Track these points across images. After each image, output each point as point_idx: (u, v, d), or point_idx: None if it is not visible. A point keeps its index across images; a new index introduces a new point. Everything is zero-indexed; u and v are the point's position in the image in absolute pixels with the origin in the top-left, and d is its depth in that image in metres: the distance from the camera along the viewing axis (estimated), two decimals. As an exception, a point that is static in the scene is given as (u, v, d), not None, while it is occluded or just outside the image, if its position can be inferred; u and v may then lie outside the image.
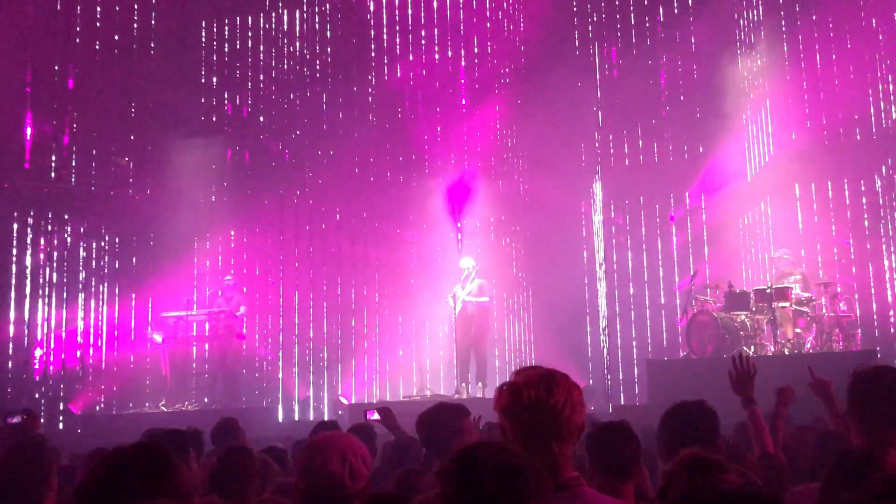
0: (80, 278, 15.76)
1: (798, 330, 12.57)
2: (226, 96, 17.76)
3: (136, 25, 16.75)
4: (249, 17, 17.72)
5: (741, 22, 16.00)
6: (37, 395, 14.91)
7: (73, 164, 16.00)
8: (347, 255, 17.14)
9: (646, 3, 16.71)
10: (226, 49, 17.78)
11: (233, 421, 6.69)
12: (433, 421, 4.82)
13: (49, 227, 15.64)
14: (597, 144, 15.47)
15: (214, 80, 17.83)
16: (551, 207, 16.30)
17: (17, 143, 15.28)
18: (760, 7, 15.77)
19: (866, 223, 14.93)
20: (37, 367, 15.08)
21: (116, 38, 16.48)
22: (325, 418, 12.40)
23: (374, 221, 17.34)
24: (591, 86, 16.54)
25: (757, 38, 15.73)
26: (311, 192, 17.29)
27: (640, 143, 16.70)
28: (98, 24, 16.30)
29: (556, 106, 15.98)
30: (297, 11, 17.55)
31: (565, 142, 16.09)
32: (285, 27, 17.60)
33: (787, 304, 12.50)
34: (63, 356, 15.31)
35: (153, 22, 16.98)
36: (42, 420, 5.98)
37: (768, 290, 12.54)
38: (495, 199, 16.76)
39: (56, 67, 15.74)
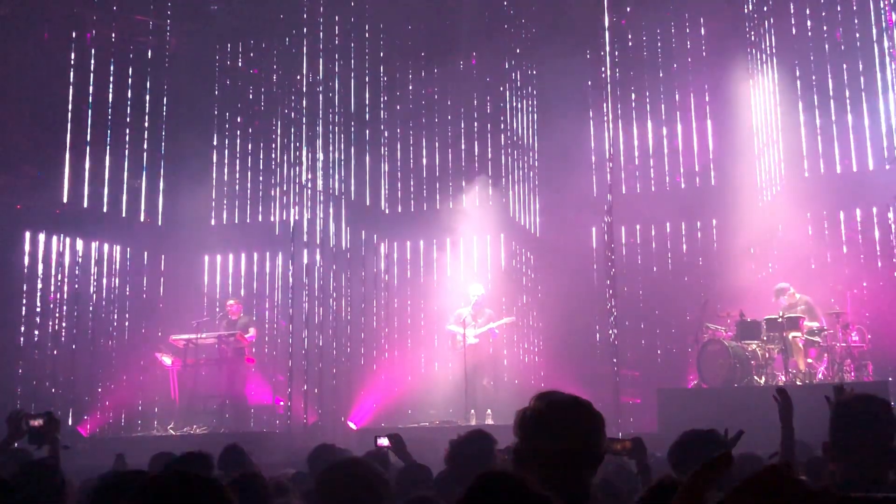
0: (91, 300, 15.77)
1: (809, 360, 12.50)
2: (238, 119, 17.82)
3: (150, 51, 16.87)
4: (263, 44, 17.80)
5: (754, 51, 16.06)
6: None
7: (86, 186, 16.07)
8: (357, 280, 17.13)
9: (658, 32, 16.81)
10: (240, 69, 17.87)
11: (237, 448, 6.63)
12: (469, 449, 4.75)
13: (60, 249, 15.67)
14: (608, 176, 15.46)
15: (229, 100, 17.89)
16: (562, 234, 16.32)
17: (30, 165, 15.35)
18: (773, 38, 15.82)
19: (878, 252, 14.90)
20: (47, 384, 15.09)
21: (131, 58, 16.58)
22: (334, 444, 12.33)
23: (385, 247, 17.36)
24: (604, 113, 16.60)
25: (769, 68, 15.77)
26: (322, 218, 17.31)
27: (652, 170, 16.75)
28: (112, 49, 16.40)
29: (567, 133, 16.06)
30: (305, 41, 17.61)
31: (576, 170, 16.13)
32: (298, 54, 17.68)
33: (798, 334, 12.44)
34: (72, 377, 15.31)
35: (167, 48, 17.09)
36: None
37: (780, 320, 12.49)
38: (505, 225, 16.78)
39: (70, 92, 15.82)
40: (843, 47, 15.23)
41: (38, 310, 15.18)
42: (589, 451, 2.82)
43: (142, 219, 16.71)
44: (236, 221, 17.47)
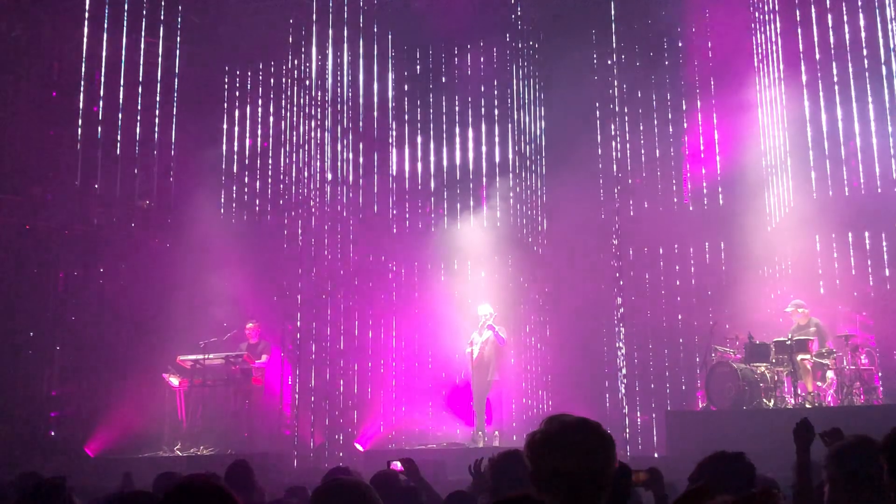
0: (100, 320, 15.76)
1: (818, 382, 12.44)
2: (247, 140, 17.86)
3: (159, 70, 16.93)
4: (272, 64, 17.87)
5: (762, 72, 16.07)
6: (52, 434, 14.92)
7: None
8: (365, 301, 17.11)
9: (666, 52, 16.87)
10: (248, 92, 17.93)
11: (244, 464, 6.63)
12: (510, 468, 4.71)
13: (69, 269, 15.71)
14: (616, 197, 15.52)
15: (237, 123, 17.94)
16: (569, 255, 16.31)
17: (39, 186, 15.41)
18: (781, 60, 15.83)
19: (887, 274, 14.85)
20: (55, 409, 15.10)
21: (140, 79, 16.64)
22: (348, 466, 12.30)
23: (393, 267, 17.36)
24: (612, 136, 16.67)
25: (777, 90, 15.76)
26: (330, 238, 17.31)
27: (660, 191, 16.76)
28: (122, 68, 16.47)
29: (575, 155, 16.09)
30: (316, 57, 17.72)
31: (584, 191, 16.12)
32: (305, 72, 17.74)
33: (807, 357, 12.39)
34: (79, 397, 15.31)
35: (177, 68, 17.15)
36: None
37: (788, 342, 12.45)
38: (515, 247, 16.78)
39: (80, 109, 15.89)
40: (850, 68, 15.23)
41: (46, 329, 15.20)
42: (600, 472, 2.82)
43: (150, 239, 16.73)
44: (245, 243, 17.44)
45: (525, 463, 4.73)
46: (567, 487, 2.80)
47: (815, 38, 15.56)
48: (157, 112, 16.93)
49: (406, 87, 17.86)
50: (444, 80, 17.78)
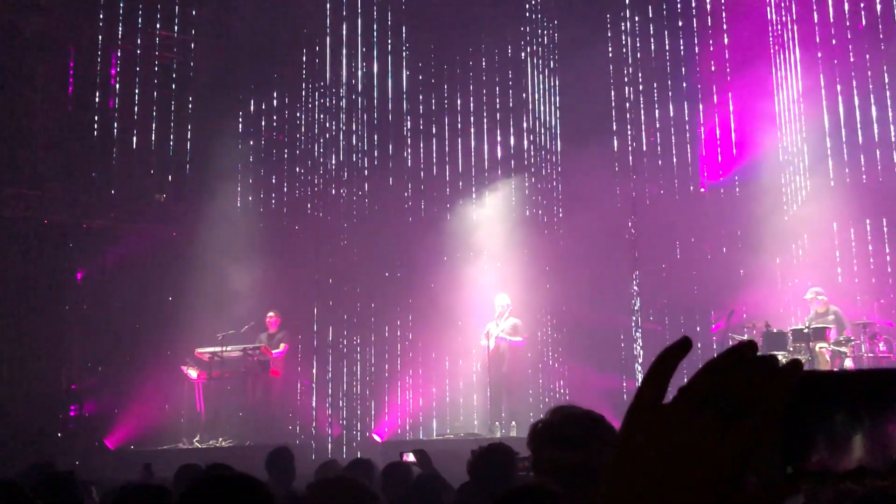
0: (118, 313, 15.83)
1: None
2: (262, 132, 17.89)
3: (175, 65, 16.98)
4: (287, 55, 17.87)
5: (779, 60, 15.99)
6: (72, 427, 15.03)
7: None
8: (382, 292, 17.12)
9: (681, 38, 16.81)
10: (263, 84, 17.94)
11: (286, 451, 6.71)
12: (490, 460, 4.74)
13: (88, 263, 15.78)
14: (632, 183, 15.44)
15: (252, 115, 17.96)
16: (584, 245, 16.27)
17: (56, 181, 15.48)
18: (797, 47, 15.75)
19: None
20: (74, 402, 15.20)
21: (156, 72, 16.69)
22: (359, 456, 12.34)
23: (410, 258, 17.35)
24: (627, 123, 16.63)
25: (794, 77, 15.67)
26: (346, 230, 17.32)
27: (676, 180, 16.72)
28: (137, 62, 16.53)
29: (591, 144, 16.06)
30: (330, 47, 17.72)
31: (600, 181, 16.09)
32: (319, 64, 17.75)
33: (825, 345, 12.34)
34: (99, 391, 15.40)
35: (192, 63, 17.19)
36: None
37: (806, 331, 12.40)
38: (531, 236, 16.73)
39: (96, 103, 15.96)
40: (868, 56, 15.13)
41: (65, 324, 15.28)
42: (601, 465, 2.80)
43: (167, 232, 16.78)
44: (262, 236, 17.46)
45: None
46: (567, 480, 2.78)
47: (832, 24, 15.46)
48: (172, 105, 16.97)
49: (420, 76, 17.84)
50: (458, 70, 17.74)
